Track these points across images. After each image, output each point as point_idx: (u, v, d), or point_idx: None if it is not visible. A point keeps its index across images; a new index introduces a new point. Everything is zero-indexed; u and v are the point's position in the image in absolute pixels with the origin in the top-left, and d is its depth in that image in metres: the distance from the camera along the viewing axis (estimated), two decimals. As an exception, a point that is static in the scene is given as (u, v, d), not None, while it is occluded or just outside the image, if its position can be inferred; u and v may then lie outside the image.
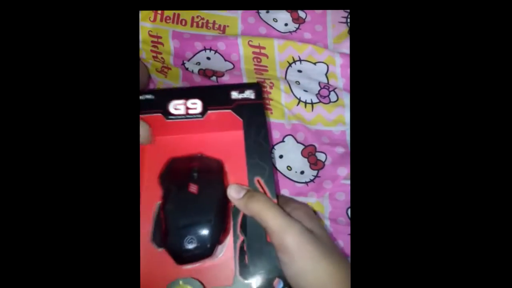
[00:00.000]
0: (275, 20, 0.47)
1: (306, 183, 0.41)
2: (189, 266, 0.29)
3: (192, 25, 0.47)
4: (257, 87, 0.34)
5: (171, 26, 0.47)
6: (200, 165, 0.32)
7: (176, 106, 0.33)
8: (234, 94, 0.33)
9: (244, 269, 0.27)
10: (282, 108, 0.43)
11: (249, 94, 0.34)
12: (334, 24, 0.47)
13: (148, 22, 0.47)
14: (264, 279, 0.26)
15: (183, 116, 0.32)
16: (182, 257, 0.28)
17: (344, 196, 0.40)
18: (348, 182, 0.41)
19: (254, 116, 0.33)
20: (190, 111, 0.33)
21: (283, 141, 0.42)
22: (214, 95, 0.33)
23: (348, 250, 0.39)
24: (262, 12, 0.48)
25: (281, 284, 0.26)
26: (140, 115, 0.32)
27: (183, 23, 0.47)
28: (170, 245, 0.28)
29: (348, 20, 0.47)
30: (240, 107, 0.33)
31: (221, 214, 0.29)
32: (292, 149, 0.42)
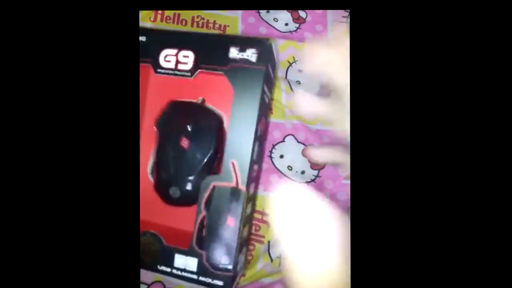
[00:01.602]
0: (275, 19, 0.47)
1: (307, 183, 0.41)
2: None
3: (192, 25, 0.47)
4: (263, 45, 0.27)
5: (172, 26, 0.47)
6: (196, 118, 0.30)
7: (167, 57, 0.29)
8: (233, 52, 0.27)
9: (200, 240, 0.29)
10: (283, 108, 0.43)
11: (250, 54, 0.27)
12: (334, 24, 0.47)
13: (148, 22, 0.47)
14: (214, 254, 0.28)
15: (171, 71, 0.29)
16: (167, 201, 0.31)
17: (345, 196, 0.40)
18: (349, 182, 0.40)
19: (248, 86, 0.27)
20: (180, 66, 0.29)
21: (283, 141, 0.42)
22: (211, 49, 0.28)
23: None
24: (263, 12, 0.48)
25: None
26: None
27: (184, 23, 0.47)
28: (158, 191, 0.31)
29: (348, 20, 0.47)
30: (235, 71, 0.27)
31: (205, 171, 0.29)
32: (293, 149, 0.42)
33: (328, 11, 0.48)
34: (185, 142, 0.29)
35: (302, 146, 0.42)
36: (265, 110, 0.29)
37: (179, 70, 0.29)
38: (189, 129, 0.30)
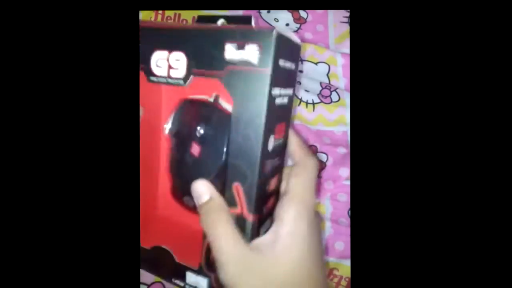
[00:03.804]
0: (276, 20, 0.47)
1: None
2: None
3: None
4: (267, 38, 0.21)
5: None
6: (207, 121, 0.27)
7: (158, 62, 0.25)
8: (230, 50, 0.22)
9: (209, 263, 0.26)
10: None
11: (251, 52, 0.21)
12: (336, 24, 0.47)
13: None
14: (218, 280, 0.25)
15: (164, 79, 0.25)
16: (184, 207, 0.30)
17: (345, 197, 0.40)
18: (350, 183, 0.40)
19: (251, 94, 0.21)
20: (172, 73, 0.24)
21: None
22: (204, 48, 0.23)
23: (349, 251, 0.39)
24: (263, 12, 0.48)
25: None
26: None
27: (184, 23, 0.47)
28: (174, 197, 0.30)
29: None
30: (234, 76, 0.22)
31: (220, 178, 0.26)
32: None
33: (329, 11, 0.47)
34: (196, 150, 0.27)
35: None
36: (282, 114, 0.24)
37: (171, 78, 0.24)
38: (200, 133, 0.27)
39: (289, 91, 0.25)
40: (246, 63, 0.21)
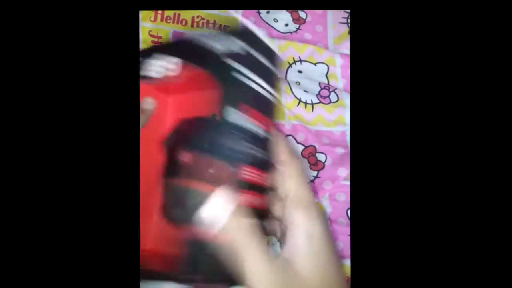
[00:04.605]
0: (275, 20, 0.47)
1: (306, 183, 0.41)
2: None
3: (192, 25, 0.47)
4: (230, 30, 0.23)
5: (172, 26, 0.47)
6: (199, 130, 0.27)
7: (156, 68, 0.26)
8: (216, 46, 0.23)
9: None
10: (282, 109, 0.43)
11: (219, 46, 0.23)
12: (335, 24, 0.47)
13: (148, 22, 0.47)
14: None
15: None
16: (171, 224, 0.28)
17: (344, 196, 0.40)
18: (348, 182, 0.40)
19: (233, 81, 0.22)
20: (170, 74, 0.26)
21: (283, 141, 0.42)
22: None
23: (348, 251, 0.39)
24: (263, 12, 0.48)
25: None
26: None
27: (184, 23, 0.48)
28: (169, 220, 0.28)
29: (349, 20, 0.47)
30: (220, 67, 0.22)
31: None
32: (292, 150, 0.42)
33: (328, 11, 0.48)
34: (187, 157, 0.28)
35: (302, 147, 0.42)
36: (262, 105, 0.26)
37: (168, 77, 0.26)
38: (191, 142, 0.28)
39: (270, 90, 0.26)
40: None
